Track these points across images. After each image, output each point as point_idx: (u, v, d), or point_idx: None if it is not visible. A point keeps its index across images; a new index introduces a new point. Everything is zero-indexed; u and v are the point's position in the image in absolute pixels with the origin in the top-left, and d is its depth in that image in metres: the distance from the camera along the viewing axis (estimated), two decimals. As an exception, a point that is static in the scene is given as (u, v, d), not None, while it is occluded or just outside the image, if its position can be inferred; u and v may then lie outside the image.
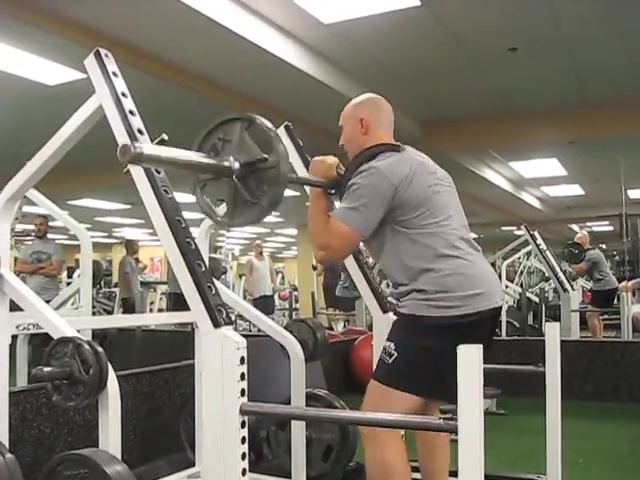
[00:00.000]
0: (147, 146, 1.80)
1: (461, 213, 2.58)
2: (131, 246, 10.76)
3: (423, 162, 2.52)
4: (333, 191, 2.57)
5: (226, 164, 2.03)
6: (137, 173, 2.41)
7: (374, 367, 2.52)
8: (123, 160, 1.73)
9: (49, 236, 7.34)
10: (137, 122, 2.50)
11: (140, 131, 2.47)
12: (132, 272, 10.34)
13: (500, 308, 2.49)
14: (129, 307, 9.95)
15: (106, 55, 2.58)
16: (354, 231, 2.36)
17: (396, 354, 2.36)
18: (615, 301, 9.05)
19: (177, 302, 9.11)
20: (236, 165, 2.04)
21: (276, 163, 2.02)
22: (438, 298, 2.32)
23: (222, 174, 2.06)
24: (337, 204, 2.53)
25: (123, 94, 2.53)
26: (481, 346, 1.57)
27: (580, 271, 9.42)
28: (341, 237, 2.37)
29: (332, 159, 2.58)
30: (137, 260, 10.76)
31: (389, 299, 3.35)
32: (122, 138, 2.44)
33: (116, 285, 14.31)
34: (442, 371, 2.18)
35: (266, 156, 2.02)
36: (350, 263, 3.20)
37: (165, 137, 2.39)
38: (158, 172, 2.40)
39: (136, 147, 1.73)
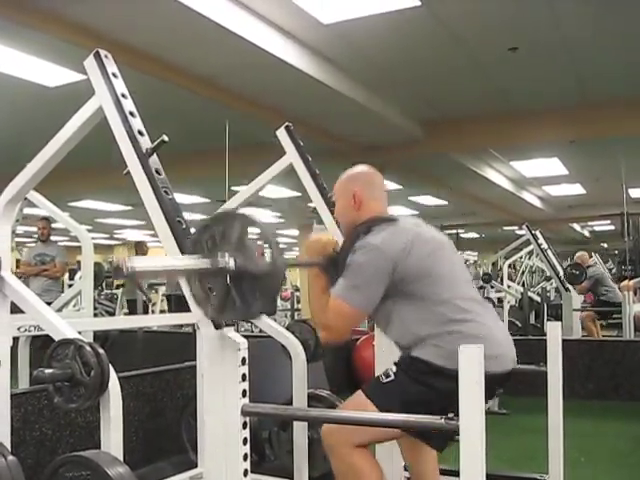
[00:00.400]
0: (138, 262, 1.74)
1: (464, 270, 2.57)
2: (141, 247, 10.74)
3: (419, 231, 2.48)
4: (331, 269, 2.54)
5: (221, 265, 1.95)
6: (138, 175, 2.41)
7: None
8: (118, 279, 1.70)
9: (53, 238, 7.35)
10: (137, 123, 2.49)
11: (140, 132, 2.47)
12: None
13: (511, 371, 2.46)
14: (135, 309, 9.90)
15: (106, 56, 2.58)
16: (355, 309, 2.34)
17: (393, 377, 2.34)
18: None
19: (177, 304, 9.12)
20: (231, 264, 1.95)
21: (272, 269, 1.95)
22: (453, 352, 2.29)
23: (216, 274, 2.02)
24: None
25: (123, 95, 2.52)
26: (482, 346, 1.57)
27: (582, 290, 9.34)
28: (342, 316, 2.35)
29: (326, 237, 2.59)
30: None
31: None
32: (122, 139, 2.44)
33: (117, 287, 14.34)
34: (431, 412, 2.18)
35: (262, 271, 1.94)
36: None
37: (165, 138, 2.38)
38: (159, 173, 2.40)
39: (128, 265, 1.69)
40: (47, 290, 6.65)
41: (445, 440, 2.44)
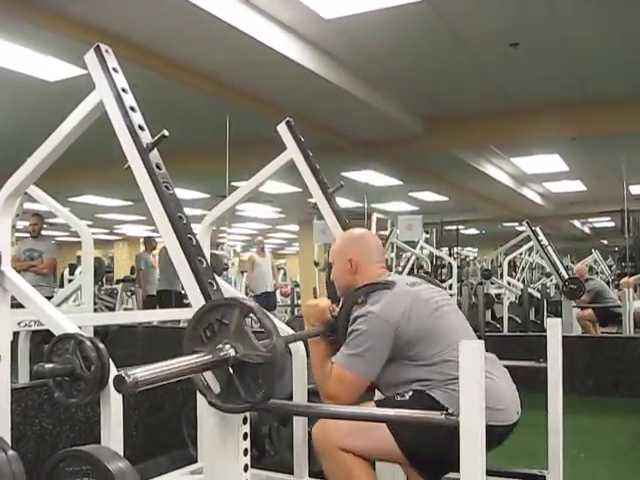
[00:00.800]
0: (141, 372, 1.74)
1: (465, 324, 2.56)
2: (150, 243, 10.74)
3: (417, 293, 2.48)
4: (330, 333, 2.56)
5: (222, 355, 1.94)
6: (138, 170, 2.40)
7: None
8: (122, 392, 1.69)
9: (45, 233, 7.34)
10: (138, 118, 2.49)
11: (141, 127, 2.46)
12: (148, 269, 10.30)
13: (516, 423, 2.48)
14: (152, 304, 9.86)
15: (106, 51, 2.57)
16: (359, 377, 2.35)
17: (407, 398, 2.33)
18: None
19: (166, 299, 9.12)
20: (232, 353, 1.94)
21: (272, 359, 1.92)
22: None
23: (218, 367, 1.99)
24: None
25: (124, 90, 2.51)
26: (482, 342, 1.57)
27: (583, 304, 9.32)
28: (345, 385, 2.36)
29: (324, 303, 2.59)
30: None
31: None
32: (123, 134, 2.44)
33: (117, 282, 14.33)
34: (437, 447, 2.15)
35: (262, 361, 1.92)
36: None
37: (166, 133, 2.37)
38: (159, 168, 2.39)
39: (130, 377, 1.68)
40: (37, 286, 6.61)
41: (439, 476, 2.49)
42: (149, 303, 9.96)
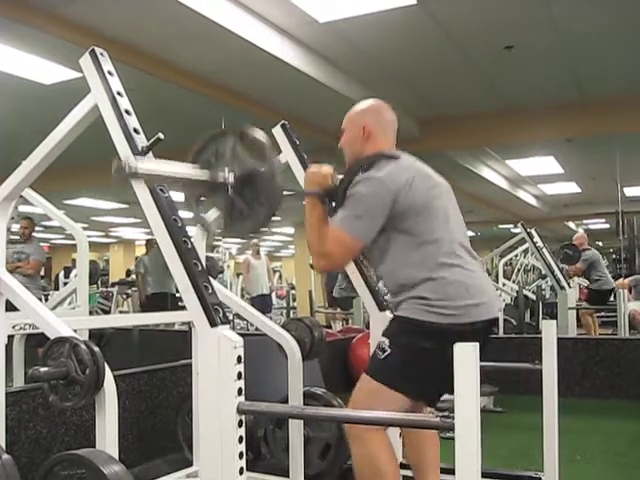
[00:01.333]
0: (141, 162, 1.78)
1: (460, 219, 2.58)
2: (152, 245, 10.67)
3: (420, 167, 2.51)
4: (329, 200, 2.55)
5: (221, 179, 2.02)
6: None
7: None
8: (118, 176, 1.72)
9: (36, 236, 7.35)
10: (133, 121, 2.49)
11: (136, 130, 2.47)
12: (146, 272, 10.24)
13: (497, 319, 2.52)
14: (149, 307, 9.82)
15: (101, 54, 2.57)
16: (355, 239, 2.36)
17: (389, 350, 2.36)
18: (612, 298, 9.05)
19: (159, 301, 9.09)
20: (231, 178, 2.02)
21: (270, 174, 2.01)
22: (439, 305, 2.32)
23: (217, 189, 2.05)
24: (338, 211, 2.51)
25: (119, 93, 2.52)
26: (477, 344, 1.57)
27: (577, 272, 9.37)
28: (342, 245, 2.37)
29: (327, 168, 2.57)
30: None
31: (386, 297, 3.35)
32: (118, 138, 2.44)
33: (113, 285, 14.32)
34: (433, 374, 2.27)
35: (261, 169, 2.01)
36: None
37: (161, 136, 2.38)
38: (154, 171, 2.39)
39: (132, 165, 1.72)
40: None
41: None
42: (146, 305, 9.93)
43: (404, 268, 2.40)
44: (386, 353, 2.36)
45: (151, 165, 1.82)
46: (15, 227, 7.72)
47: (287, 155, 3.40)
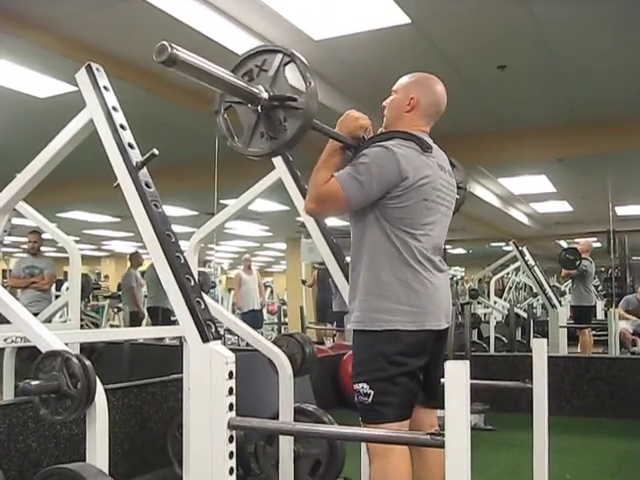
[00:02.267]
0: (184, 52, 1.80)
1: (442, 239, 2.58)
2: (136, 259, 10.61)
3: (437, 176, 2.49)
4: (351, 151, 2.53)
5: (256, 91, 2.04)
6: (127, 187, 2.41)
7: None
8: (158, 59, 1.74)
9: (43, 249, 7.36)
10: (128, 136, 2.51)
11: (130, 145, 2.48)
12: (137, 286, 10.22)
13: (446, 331, 2.54)
14: (138, 321, 9.83)
15: (97, 69, 2.59)
16: (347, 199, 2.37)
17: (372, 392, 2.36)
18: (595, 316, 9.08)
19: (153, 316, 9.09)
20: (265, 95, 2.04)
21: (305, 104, 2.03)
22: (385, 310, 2.37)
23: (249, 100, 2.06)
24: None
25: (114, 108, 2.54)
26: (468, 362, 1.58)
27: (567, 276, 9.41)
28: (334, 199, 2.39)
29: (365, 120, 2.54)
30: (142, 273, 10.64)
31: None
32: (113, 152, 2.45)
33: (105, 298, 14.25)
34: (411, 379, 2.37)
35: (297, 96, 2.03)
36: (338, 278, 3.20)
37: (156, 152, 2.39)
38: (148, 186, 2.41)
39: (173, 48, 1.75)
40: (38, 301, 6.70)
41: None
42: (135, 320, 9.90)
43: (373, 255, 2.44)
44: (371, 396, 2.37)
45: (191, 57, 1.84)
46: (7, 239, 7.73)
47: (280, 172, 3.40)
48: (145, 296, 10.27)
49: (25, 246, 7.36)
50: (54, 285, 13.43)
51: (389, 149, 2.38)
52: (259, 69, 2.11)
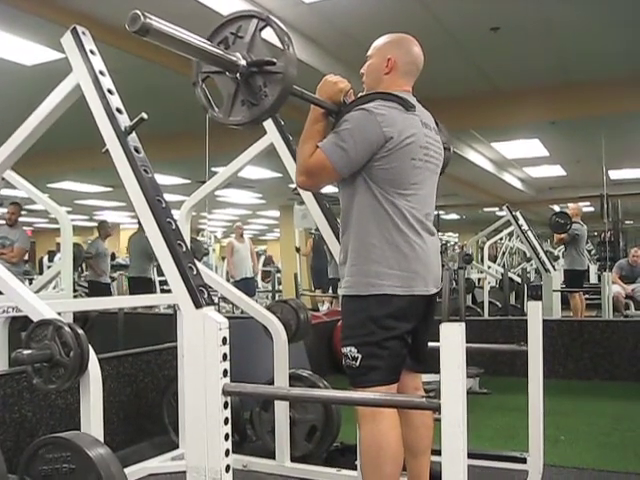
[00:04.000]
0: (158, 20, 1.76)
1: (431, 197, 2.56)
2: (104, 228, 10.42)
3: (421, 134, 2.46)
4: (333, 117, 2.49)
5: (233, 59, 2.00)
6: (116, 153, 2.38)
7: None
8: (131, 29, 1.70)
9: (21, 220, 7.29)
10: (116, 101, 2.47)
11: (119, 110, 2.44)
12: (99, 255, 10.03)
13: (434, 296, 2.53)
14: (96, 291, 9.70)
15: (83, 33, 2.54)
16: (335, 169, 2.35)
17: (360, 356, 2.36)
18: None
19: (136, 286, 9.06)
20: (243, 62, 2.01)
21: (284, 69, 1.99)
22: (374, 274, 2.37)
23: (227, 68, 2.03)
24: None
25: (101, 72, 2.49)
26: (464, 324, 1.57)
27: (559, 241, 9.42)
28: (322, 170, 2.37)
29: (344, 84, 2.51)
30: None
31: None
32: (101, 117, 2.41)
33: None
34: (399, 343, 2.38)
35: (275, 60, 2.00)
36: (332, 244, 3.17)
37: (144, 116, 2.36)
38: (137, 151, 2.37)
39: (146, 17, 1.70)
40: None
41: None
42: (92, 291, 9.78)
43: (362, 219, 2.42)
44: (359, 359, 2.37)
45: (166, 26, 1.79)
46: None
47: (272, 136, 3.36)
48: (117, 266, 10.07)
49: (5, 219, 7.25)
50: (46, 256, 13.41)
51: (370, 111, 2.34)
52: (234, 36, 2.06)
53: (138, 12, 1.70)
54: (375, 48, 2.63)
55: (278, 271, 15.89)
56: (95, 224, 22.96)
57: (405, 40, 2.64)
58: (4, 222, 7.28)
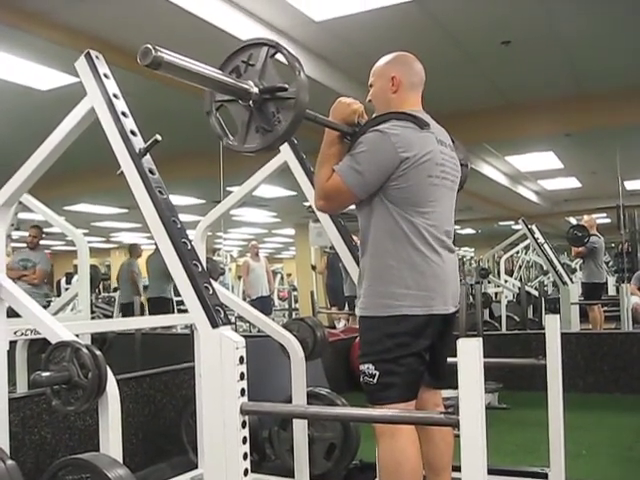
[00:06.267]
0: (169, 53, 1.78)
1: (450, 214, 2.56)
2: (135, 250, 10.64)
3: (437, 151, 2.46)
4: (348, 138, 2.50)
5: (245, 86, 2.03)
6: (131, 175, 2.39)
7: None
8: (143, 63, 1.72)
9: (42, 243, 7.36)
10: (130, 123, 2.48)
11: (133, 132, 2.46)
12: (139, 273, 10.23)
13: (453, 314, 2.52)
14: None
15: (97, 57, 2.56)
16: (351, 191, 2.37)
17: (377, 373, 2.37)
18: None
19: (155, 306, 9.09)
20: (255, 90, 2.03)
21: (296, 94, 2.01)
22: (391, 295, 2.37)
23: (240, 97, 2.06)
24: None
25: (115, 95, 2.51)
26: (481, 339, 1.56)
27: (577, 254, 9.37)
28: (340, 194, 2.39)
29: (357, 105, 2.53)
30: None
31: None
32: (115, 140, 2.43)
33: (114, 290, 14.28)
34: (417, 360, 2.38)
35: (286, 85, 2.02)
36: (348, 261, 3.17)
37: (159, 138, 2.37)
38: (152, 173, 2.39)
39: (157, 51, 1.72)
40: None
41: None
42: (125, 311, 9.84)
43: (379, 238, 2.42)
44: (376, 376, 2.37)
45: (177, 58, 1.82)
46: (16, 234, 7.73)
47: (286, 155, 3.37)
48: (145, 287, 10.26)
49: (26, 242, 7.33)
50: (64, 278, 13.50)
51: (384, 132, 2.36)
52: (246, 64, 2.10)
53: (149, 46, 1.72)
54: (375, 73, 2.65)
55: (294, 289, 15.88)
56: (113, 246, 23.23)
57: (403, 56, 2.66)
58: (25, 245, 7.36)
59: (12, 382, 4.46)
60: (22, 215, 6.46)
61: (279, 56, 2.08)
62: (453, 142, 2.68)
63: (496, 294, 10.54)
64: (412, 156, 2.34)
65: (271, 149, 2.15)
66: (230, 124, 2.20)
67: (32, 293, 6.80)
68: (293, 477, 3.46)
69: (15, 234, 7.78)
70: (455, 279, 2.53)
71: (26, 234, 7.37)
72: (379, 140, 2.35)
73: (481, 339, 1.56)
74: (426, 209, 2.40)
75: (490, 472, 1.61)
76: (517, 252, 12.20)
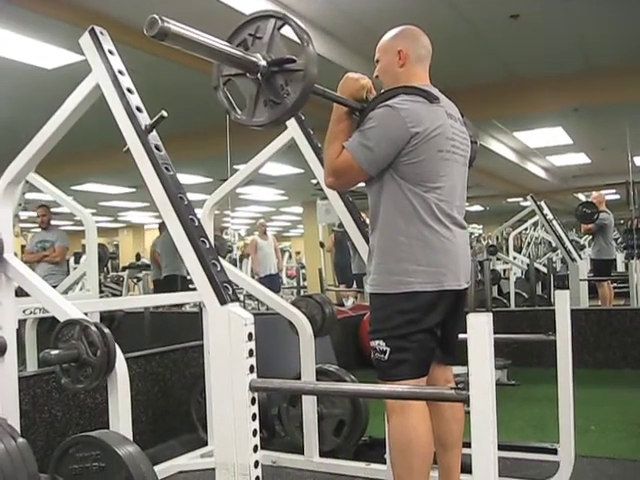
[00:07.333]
0: (176, 24, 1.76)
1: (462, 189, 2.54)
2: (165, 228, 10.55)
3: (447, 125, 2.43)
4: (357, 114, 2.47)
5: (253, 59, 2.00)
6: (137, 152, 2.38)
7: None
8: (149, 33, 1.70)
9: (54, 223, 7.35)
10: (135, 100, 2.47)
11: (139, 109, 2.44)
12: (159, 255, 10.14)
13: (465, 290, 2.51)
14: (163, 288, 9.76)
15: (101, 33, 2.54)
16: (361, 168, 2.35)
17: (388, 349, 2.35)
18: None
19: (170, 284, 9.08)
20: (263, 62, 2.01)
21: (304, 66, 1.98)
22: (403, 272, 2.35)
23: (247, 69, 2.03)
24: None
25: (120, 72, 2.49)
26: (491, 314, 1.55)
27: (587, 231, 9.33)
28: (350, 170, 2.37)
29: (365, 80, 2.50)
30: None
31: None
32: (121, 116, 2.42)
33: (123, 269, 14.33)
34: (428, 337, 2.37)
35: (295, 57, 1.99)
36: (356, 238, 3.16)
37: (164, 114, 2.35)
38: (159, 149, 2.37)
39: (164, 22, 1.70)
40: (51, 275, 6.67)
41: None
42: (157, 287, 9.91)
43: (390, 214, 2.40)
44: (387, 353, 2.36)
45: (184, 29, 1.80)
46: (24, 215, 7.73)
47: (293, 132, 3.35)
48: (142, 266, 10.19)
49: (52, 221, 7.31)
50: (72, 257, 13.55)
51: (394, 107, 2.32)
52: (253, 37, 2.06)
53: (156, 16, 1.69)
54: (381, 48, 2.61)
55: (302, 267, 15.89)
56: (121, 225, 23.28)
57: (409, 30, 2.61)
58: (37, 226, 7.35)
59: (22, 361, 4.48)
60: (29, 195, 6.46)
61: (287, 29, 2.04)
62: (462, 117, 2.65)
63: (505, 271, 10.53)
64: (422, 131, 2.31)
65: (280, 122, 2.12)
66: (238, 99, 2.18)
67: (56, 272, 6.85)
68: (302, 453, 3.47)
69: (23, 214, 7.78)
70: (466, 255, 2.52)
71: (34, 214, 7.36)
72: (389, 115, 2.32)
73: (491, 314, 1.54)
74: (437, 184, 2.38)
75: (500, 448, 1.61)
76: (526, 229, 12.17)
